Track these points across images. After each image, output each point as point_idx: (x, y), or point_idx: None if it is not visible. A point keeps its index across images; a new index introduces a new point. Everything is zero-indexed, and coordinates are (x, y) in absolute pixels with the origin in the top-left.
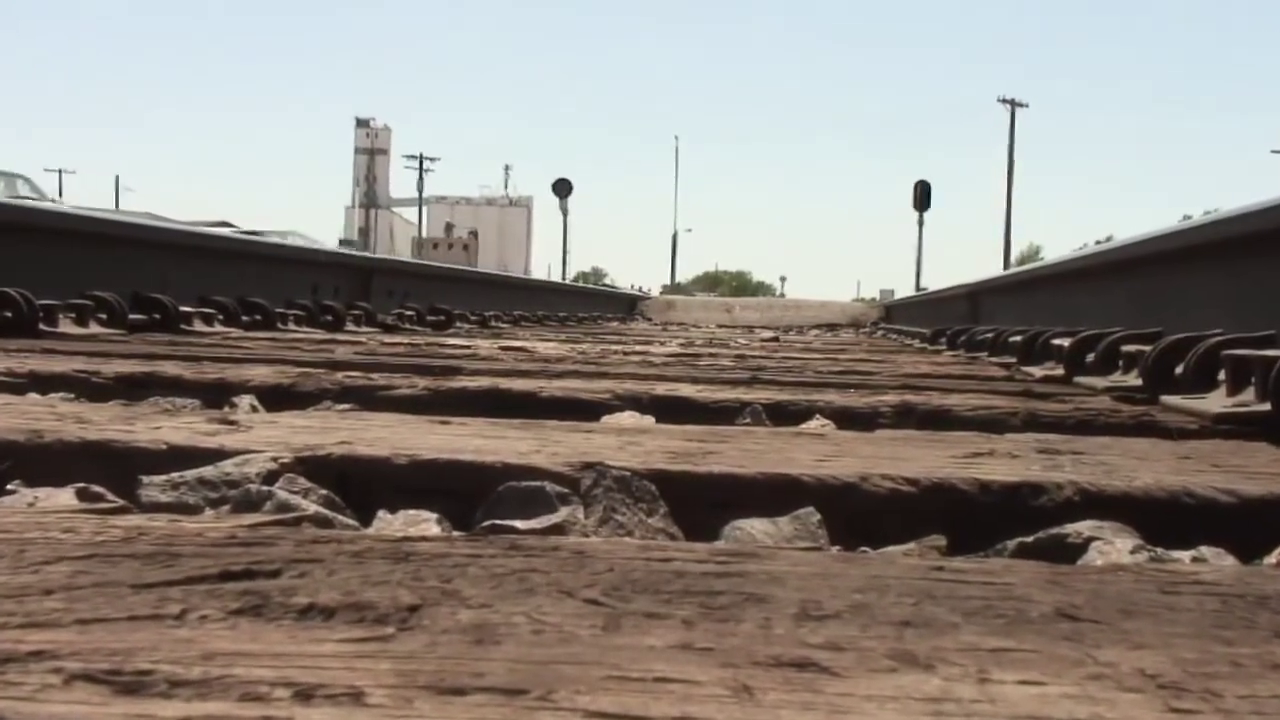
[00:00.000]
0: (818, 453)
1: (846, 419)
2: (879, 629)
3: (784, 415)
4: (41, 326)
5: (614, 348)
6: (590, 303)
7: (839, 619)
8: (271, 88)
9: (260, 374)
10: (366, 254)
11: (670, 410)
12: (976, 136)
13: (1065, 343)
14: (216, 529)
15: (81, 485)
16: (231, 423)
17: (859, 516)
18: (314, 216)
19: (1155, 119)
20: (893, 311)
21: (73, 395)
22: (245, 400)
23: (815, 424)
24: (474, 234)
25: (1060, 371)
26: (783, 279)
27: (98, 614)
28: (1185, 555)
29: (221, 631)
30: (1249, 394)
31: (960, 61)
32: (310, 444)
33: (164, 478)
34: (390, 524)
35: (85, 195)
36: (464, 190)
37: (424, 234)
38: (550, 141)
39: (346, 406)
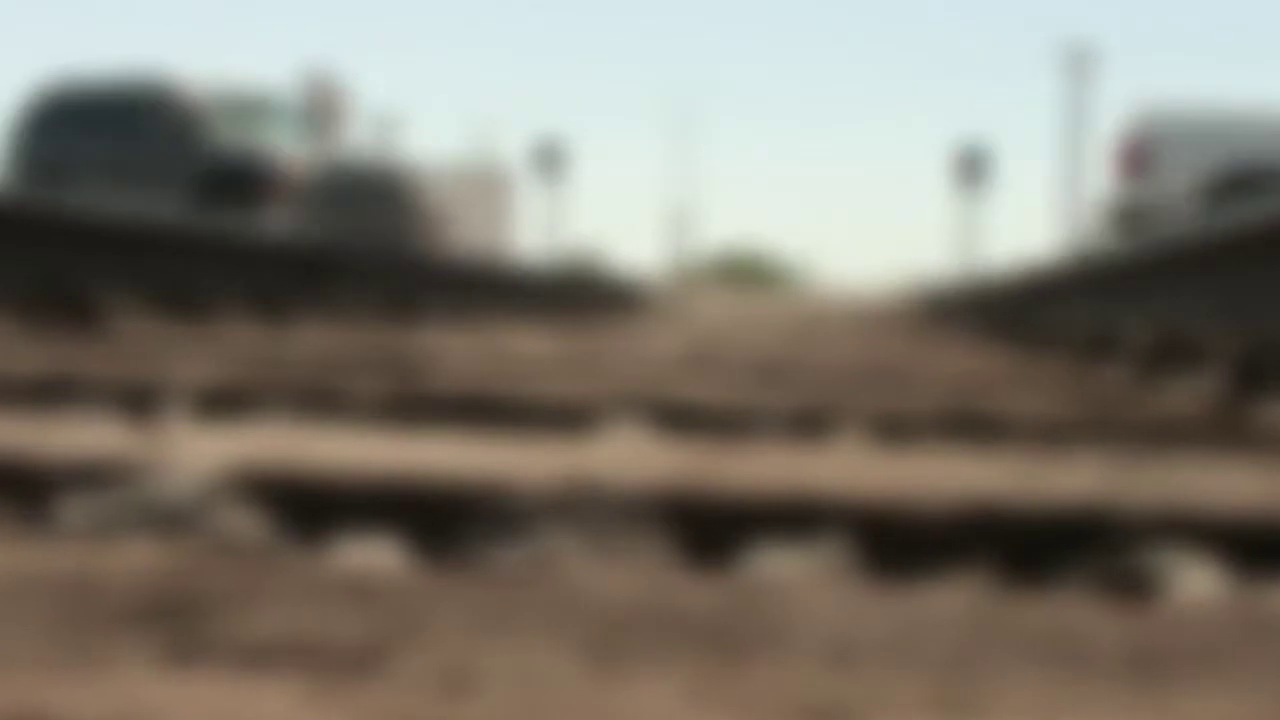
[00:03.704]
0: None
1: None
2: (921, 674)
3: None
4: None
5: None
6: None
7: (873, 663)
8: (204, 28)
9: None
10: None
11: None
12: (1016, 93)
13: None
14: (143, 558)
15: None
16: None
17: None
18: None
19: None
20: (953, 309)
21: None
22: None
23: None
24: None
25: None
26: (806, 265)
27: (3, 660)
28: None
29: (149, 679)
30: None
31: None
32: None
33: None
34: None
35: None
36: (434, 156)
37: None
38: (538, 101)
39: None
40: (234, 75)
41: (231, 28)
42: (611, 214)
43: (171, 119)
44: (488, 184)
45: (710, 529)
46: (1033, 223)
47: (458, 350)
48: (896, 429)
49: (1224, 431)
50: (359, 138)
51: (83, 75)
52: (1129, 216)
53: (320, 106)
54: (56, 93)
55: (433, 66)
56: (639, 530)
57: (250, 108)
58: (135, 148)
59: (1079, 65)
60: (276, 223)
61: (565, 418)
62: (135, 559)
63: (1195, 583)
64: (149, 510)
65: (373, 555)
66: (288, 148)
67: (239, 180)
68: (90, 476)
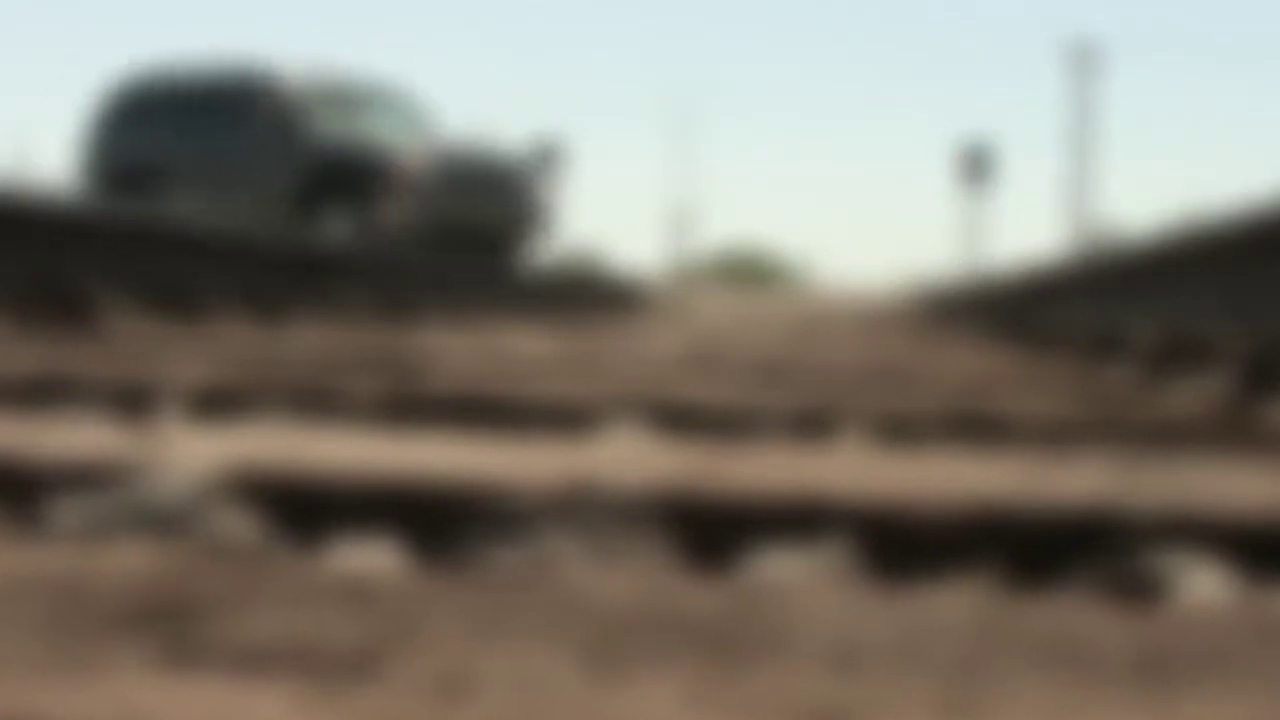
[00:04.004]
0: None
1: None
2: (925, 678)
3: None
4: None
5: None
6: None
7: (877, 667)
8: (199, 25)
9: None
10: None
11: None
12: (1022, 93)
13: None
14: (137, 560)
15: None
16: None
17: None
18: None
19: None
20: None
21: None
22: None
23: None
24: None
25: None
26: (808, 264)
27: None
28: None
29: (142, 683)
30: None
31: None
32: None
33: (77, 500)
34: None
35: None
36: None
37: None
38: (537, 99)
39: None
40: (335, 65)
41: (225, 27)
42: (611, 213)
43: (272, 112)
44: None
45: (711, 531)
46: (1037, 221)
47: (456, 350)
48: (900, 430)
49: (1232, 432)
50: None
51: (170, 66)
52: None
53: None
54: (140, 85)
55: (430, 65)
56: (639, 532)
57: (355, 98)
58: (232, 144)
59: (1084, 62)
60: (391, 220)
61: (564, 418)
62: (129, 561)
63: (1203, 586)
64: (143, 512)
65: (369, 558)
66: (400, 140)
67: (349, 176)
68: (83, 477)
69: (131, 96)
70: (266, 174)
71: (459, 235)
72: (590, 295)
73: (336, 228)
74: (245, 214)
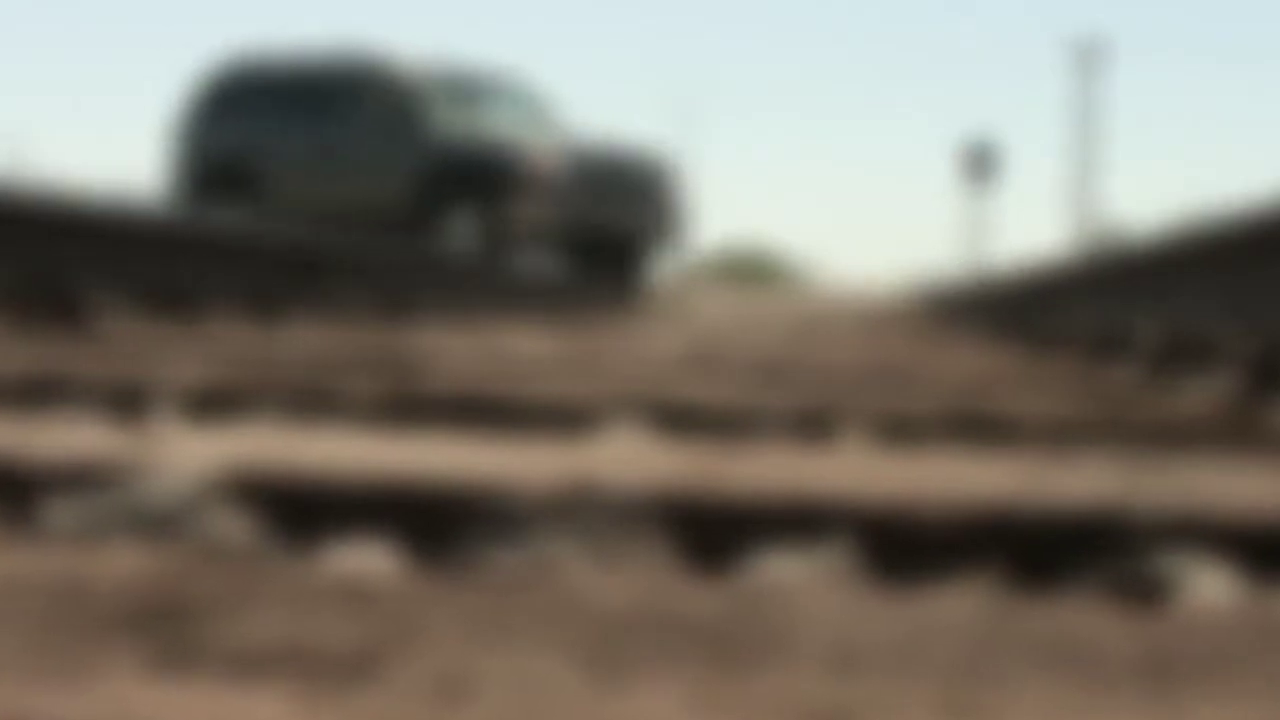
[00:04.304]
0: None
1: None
2: (927, 680)
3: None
4: None
5: None
6: None
7: (878, 669)
8: (192, 23)
9: None
10: None
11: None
12: (1025, 91)
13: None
14: (133, 562)
15: None
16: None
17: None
18: None
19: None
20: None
21: None
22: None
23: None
24: None
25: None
26: (809, 263)
27: None
28: None
29: (137, 686)
30: None
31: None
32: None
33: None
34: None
35: None
36: None
37: None
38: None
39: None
40: (450, 53)
41: (217, 26)
42: None
43: (389, 104)
44: None
45: (712, 532)
46: (1040, 220)
47: (454, 349)
48: (902, 430)
49: (1237, 433)
50: None
51: (268, 53)
52: None
53: None
54: (235, 74)
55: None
56: (639, 534)
57: (475, 90)
58: (343, 139)
59: (1088, 60)
60: (524, 224)
61: (564, 419)
62: (123, 563)
63: (1208, 588)
64: (138, 513)
65: (367, 559)
66: (526, 136)
67: (477, 175)
68: (77, 479)
69: (226, 86)
70: (383, 171)
71: (593, 242)
72: (590, 293)
73: (460, 232)
74: (359, 213)
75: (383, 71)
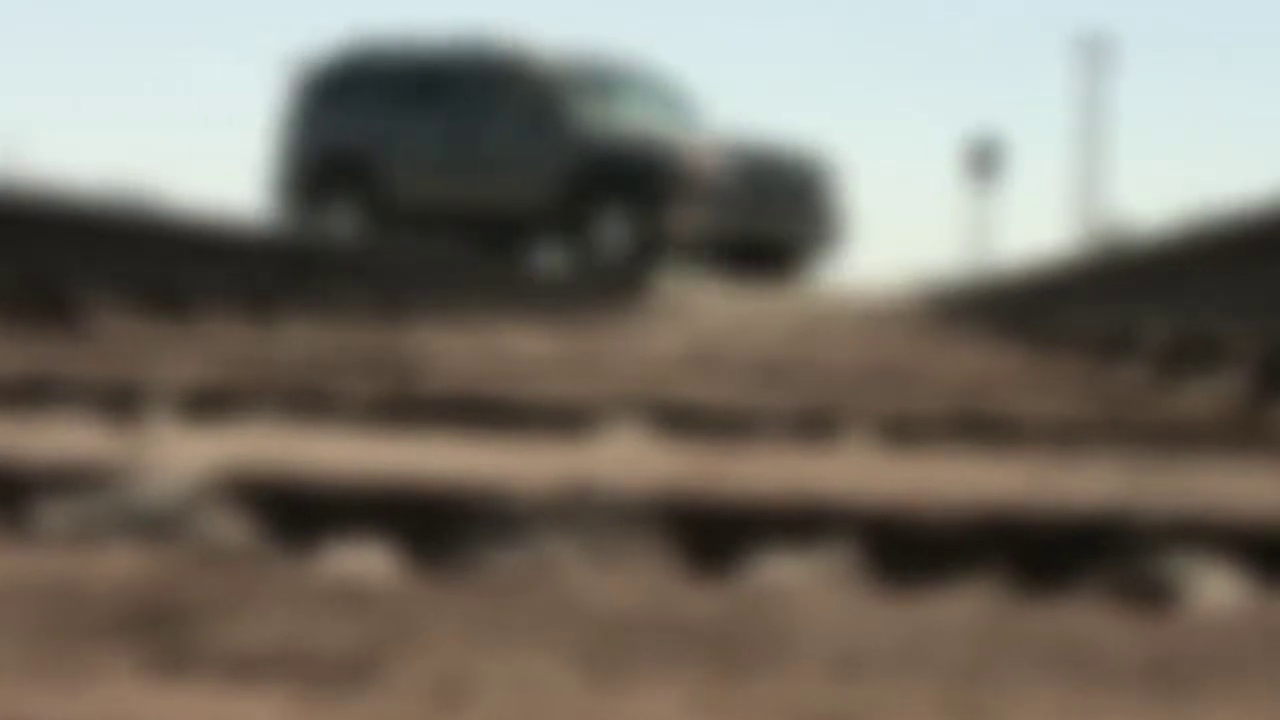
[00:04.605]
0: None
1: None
2: (929, 684)
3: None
4: None
5: None
6: None
7: (880, 673)
8: (190, 18)
9: None
10: None
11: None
12: (1024, 88)
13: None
14: (128, 564)
15: None
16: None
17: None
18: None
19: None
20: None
21: None
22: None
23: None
24: None
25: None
26: None
27: None
28: None
29: (133, 690)
30: None
31: None
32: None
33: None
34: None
35: None
36: None
37: None
38: None
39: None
40: (585, 43)
41: (208, 27)
42: None
43: (531, 96)
44: None
45: (712, 534)
46: (1045, 218)
47: (453, 349)
48: (905, 431)
49: (1244, 434)
50: None
51: (386, 41)
52: None
53: None
54: (348, 63)
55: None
56: (638, 535)
57: (617, 82)
58: (475, 134)
59: (1094, 57)
60: (683, 228)
61: (563, 419)
62: (118, 565)
63: (1214, 590)
64: (132, 515)
65: (364, 561)
66: (683, 132)
67: (631, 176)
68: (71, 480)
69: (337, 77)
70: (525, 171)
71: (751, 248)
72: (589, 291)
73: (612, 237)
74: (496, 216)
75: (522, 61)
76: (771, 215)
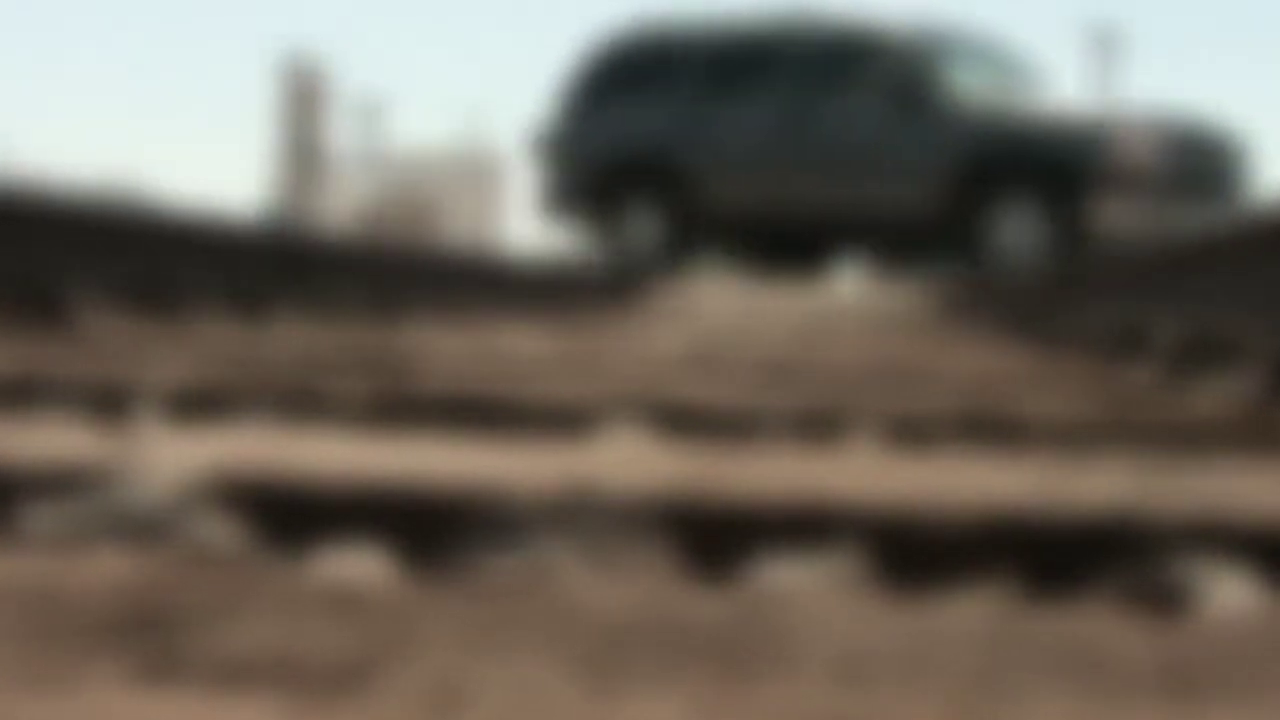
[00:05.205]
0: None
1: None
2: (936, 691)
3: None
4: None
5: None
6: None
7: (886, 680)
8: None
9: None
10: None
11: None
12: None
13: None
14: (114, 569)
15: None
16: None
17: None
18: (233, 176)
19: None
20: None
21: None
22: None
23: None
24: None
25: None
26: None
27: None
28: None
29: (120, 697)
30: None
31: None
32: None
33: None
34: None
35: None
36: (421, 142)
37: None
38: (531, 81)
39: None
40: (934, 15)
41: (201, 6)
42: None
43: (895, 78)
44: (476, 171)
45: (714, 537)
46: None
47: (448, 348)
48: (911, 431)
49: (1257, 435)
50: (339, 126)
51: (677, 22)
52: None
53: (298, 93)
54: (641, 48)
55: (419, 47)
56: (639, 539)
57: (969, 53)
58: (819, 124)
59: (1106, 49)
60: (1111, 225)
61: (561, 420)
62: (106, 570)
63: (1229, 595)
64: (121, 518)
65: (358, 566)
66: (1107, 111)
67: (1040, 167)
68: (58, 482)
69: (625, 65)
70: (894, 167)
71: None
72: (588, 289)
73: (1015, 238)
74: (855, 219)
75: (875, 32)
76: (1195, 204)
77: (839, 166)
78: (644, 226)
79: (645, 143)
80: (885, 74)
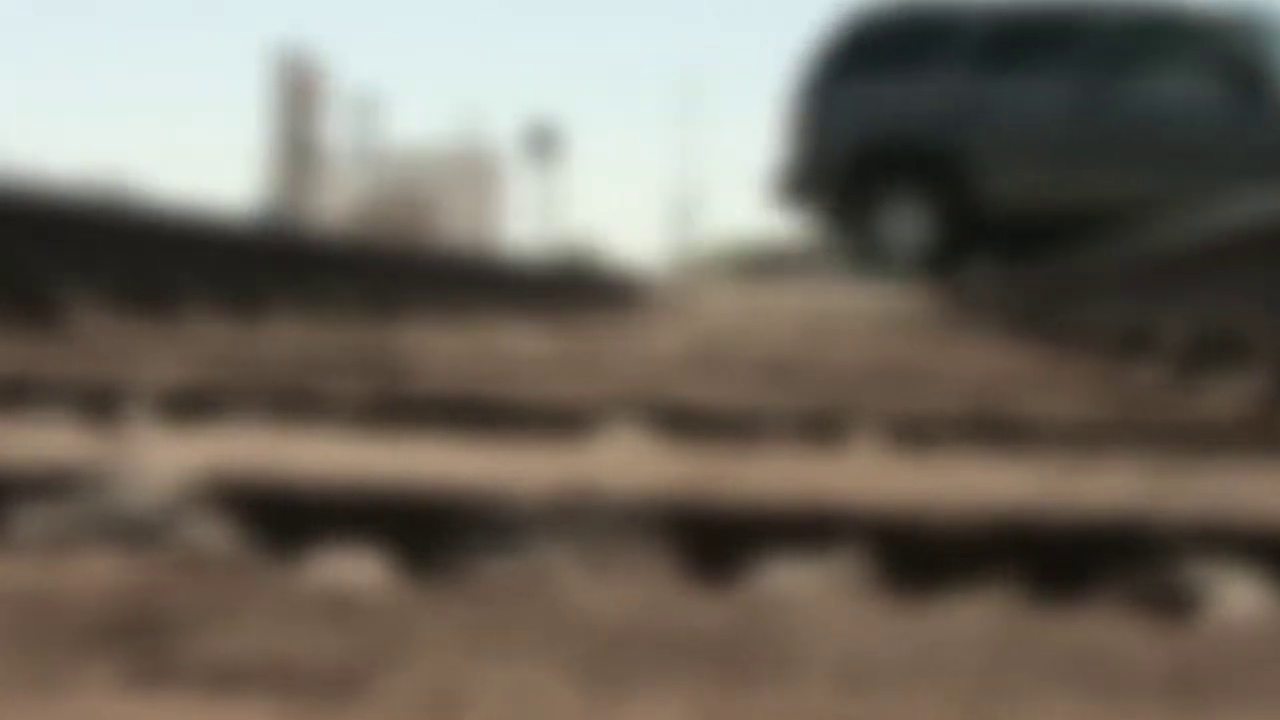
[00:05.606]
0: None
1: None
2: (941, 696)
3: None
4: None
5: None
6: None
7: (890, 685)
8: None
9: None
10: None
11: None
12: None
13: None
14: (106, 573)
15: None
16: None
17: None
18: (224, 172)
19: None
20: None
21: None
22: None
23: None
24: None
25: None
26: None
27: None
28: None
29: (112, 702)
30: None
31: None
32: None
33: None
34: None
35: None
36: (418, 140)
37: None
38: (530, 79)
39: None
40: None
41: (189, 16)
42: (610, 201)
43: (1224, 55)
44: (474, 169)
45: (716, 541)
46: None
47: (445, 348)
48: (916, 433)
49: (1267, 436)
50: (335, 122)
51: None
52: None
53: (293, 89)
54: (898, 21)
55: (416, 44)
56: (639, 542)
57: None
58: (1134, 110)
59: None
60: None
61: (561, 421)
62: (97, 573)
63: (1238, 598)
64: (112, 521)
65: (353, 569)
66: None
67: None
68: (49, 485)
69: (880, 41)
70: (1230, 158)
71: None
72: (588, 289)
73: None
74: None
75: (1200, 14)
76: None
77: (1161, 160)
78: (909, 218)
79: (908, 128)
80: (1217, 56)
